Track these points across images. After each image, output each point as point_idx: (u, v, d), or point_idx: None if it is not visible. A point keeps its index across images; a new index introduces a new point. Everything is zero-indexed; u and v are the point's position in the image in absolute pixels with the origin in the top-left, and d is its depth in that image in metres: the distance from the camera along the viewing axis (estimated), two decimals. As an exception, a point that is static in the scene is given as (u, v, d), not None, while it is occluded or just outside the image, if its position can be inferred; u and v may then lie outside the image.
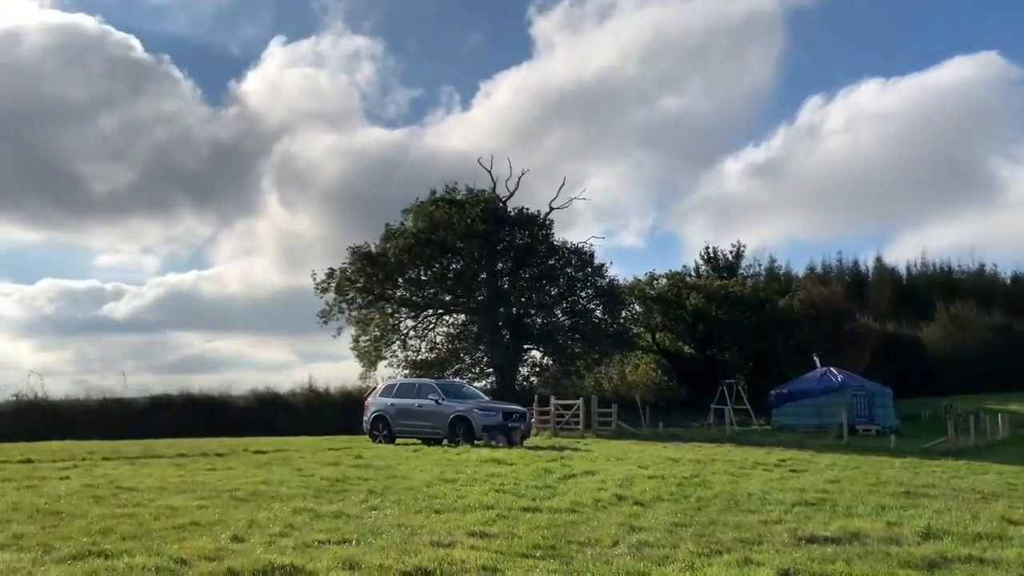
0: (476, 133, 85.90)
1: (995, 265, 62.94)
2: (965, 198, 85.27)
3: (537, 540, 7.74)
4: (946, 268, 61.08)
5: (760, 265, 51.16)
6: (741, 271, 48.09)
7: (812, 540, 8.27)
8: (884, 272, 59.77)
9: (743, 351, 39.37)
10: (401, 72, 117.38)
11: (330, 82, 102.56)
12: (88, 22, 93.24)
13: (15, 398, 30.79)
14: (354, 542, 7.33)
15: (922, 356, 47.53)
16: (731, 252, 48.49)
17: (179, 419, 30.82)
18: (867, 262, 60.75)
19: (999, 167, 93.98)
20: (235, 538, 7.35)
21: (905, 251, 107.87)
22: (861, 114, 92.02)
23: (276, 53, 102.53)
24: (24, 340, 79.32)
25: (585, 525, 8.73)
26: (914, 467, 16.97)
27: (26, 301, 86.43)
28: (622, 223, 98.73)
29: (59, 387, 37.49)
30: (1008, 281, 60.43)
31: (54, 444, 20.19)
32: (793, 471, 15.26)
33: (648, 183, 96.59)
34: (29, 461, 14.81)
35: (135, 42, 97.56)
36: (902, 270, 61.64)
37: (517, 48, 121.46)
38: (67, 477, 12.05)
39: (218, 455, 16.84)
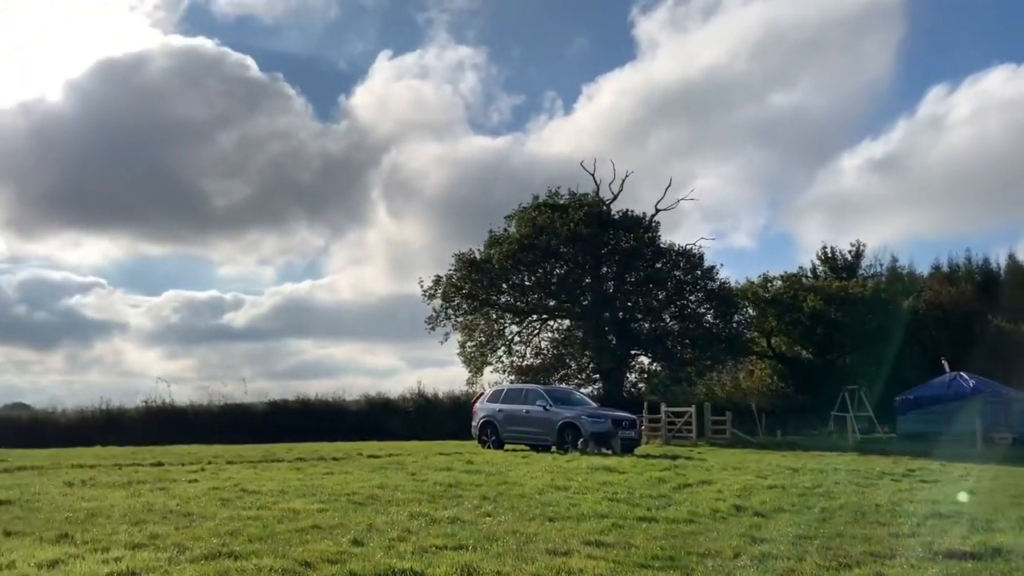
0: (579, 137, 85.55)
1: None
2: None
3: (655, 551, 7.54)
4: (1088, 264, 56.66)
5: (881, 265, 48.68)
6: (861, 271, 45.94)
7: (949, 555, 7.76)
8: (1018, 270, 55.76)
9: (865, 355, 37.61)
10: (504, 80, 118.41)
11: (435, 93, 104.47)
12: (207, 45, 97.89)
13: (145, 404, 32.63)
14: (470, 548, 7.33)
15: (1063, 360, 44.29)
16: (850, 252, 46.46)
17: (295, 423, 31.90)
18: (999, 260, 56.84)
19: None
20: (355, 542, 7.47)
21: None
22: (989, 102, 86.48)
23: (383, 67, 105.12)
24: (152, 349, 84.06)
25: (704, 536, 8.46)
26: (1059, 479, 15.78)
27: (153, 312, 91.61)
28: (732, 224, 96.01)
29: (183, 393, 39.45)
30: None
31: (182, 448, 21.22)
32: (923, 481, 14.45)
33: (759, 182, 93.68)
34: (160, 464, 15.60)
35: (250, 62, 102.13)
36: (1038, 267, 57.56)
37: (620, 50, 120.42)
38: (195, 480, 12.61)
39: (334, 459, 17.30)
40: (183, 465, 15.38)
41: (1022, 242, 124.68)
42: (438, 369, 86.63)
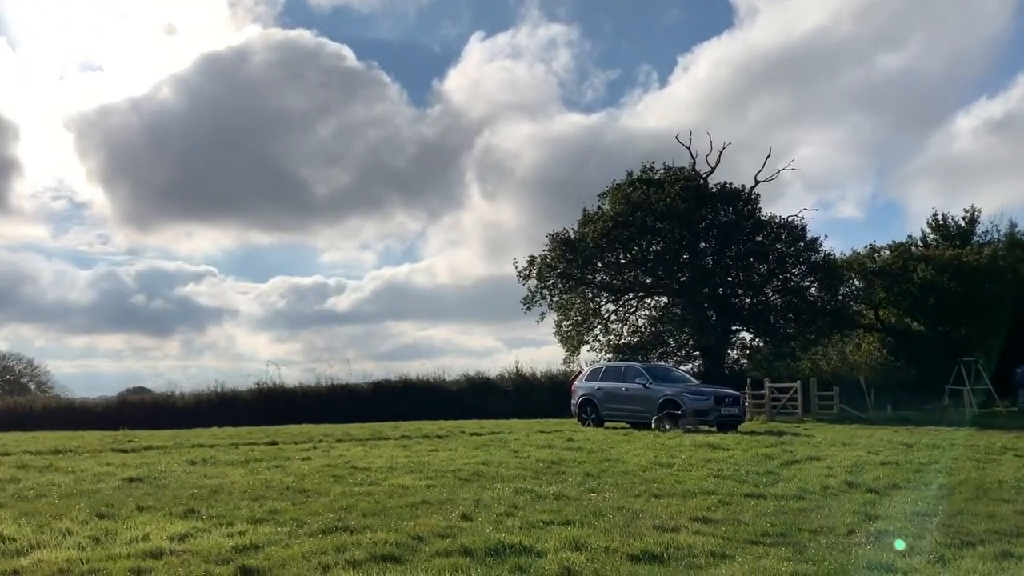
0: (675, 110, 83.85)
1: None
2: None
3: (765, 527, 7.43)
4: None
5: (999, 231, 45.81)
6: (976, 238, 43.43)
7: (1085, 534, 7.35)
8: None
9: (982, 326, 35.72)
10: (598, 56, 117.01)
11: (528, 72, 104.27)
12: (305, 36, 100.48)
13: (257, 386, 34.07)
14: (577, 523, 7.38)
15: None
16: (964, 218, 43.96)
17: (398, 403, 32.72)
18: None
19: None
20: (464, 516, 7.64)
21: None
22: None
23: (475, 49, 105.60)
24: (261, 333, 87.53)
25: (815, 513, 8.28)
26: None
27: (261, 298, 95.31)
28: (838, 193, 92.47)
29: (292, 375, 41.05)
30: None
31: (293, 428, 22.06)
32: (1052, 457, 13.69)
33: (867, 148, 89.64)
34: (274, 443, 16.28)
35: (347, 51, 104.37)
36: None
37: (717, 18, 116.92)
38: (308, 458, 13.11)
39: (438, 437, 17.68)
40: (295, 444, 16.00)
41: None
42: (534, 349, 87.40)
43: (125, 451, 14.62)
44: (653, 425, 20.13)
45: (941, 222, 44.11)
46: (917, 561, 6.33)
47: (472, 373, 36.78)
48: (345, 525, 7.22)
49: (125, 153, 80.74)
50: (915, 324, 39.26)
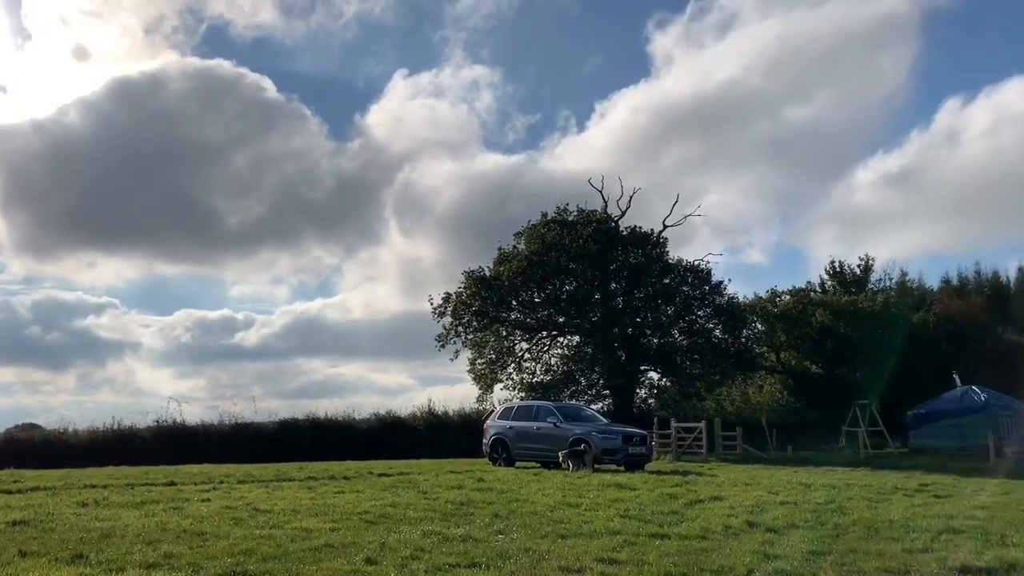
0: (591, 154, 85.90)
1: None
2: None
3: (668, 567, 7.55)
4: (1099, 277, 56.37)
5: (891, 279, 48.56)
6: (870, 285, 45.83)
7: (964, 571, 7.76)
8: (1028, 283, 55.76)
9: (875, 370, 37.47)
10: (519, 99, 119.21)
11: (450, 111, 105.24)
12: (224, 66, 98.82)
13: (156, 423, 32.68)
14: (483, 566, 7.35)
15: (1075, 372, 43.99)
16: (859, 266, 46.39)
17: (305, 442, 31.92)
18: (1008, 273, 56.78)
19: None
20: (368, 560, 7.50)
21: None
22: (1004, 115, 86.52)
23: (399, 86, 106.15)
24: (163, 368, 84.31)
25: (716, 552, 8.46)
26: (1074, 493, 15.66)
27: (165, 331, 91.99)
28: (746, 239, 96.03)
29: (194, 413, 39.57)
30: None
31: (193, 468, 21.25)
32: (936, 496, 14.37)
33: (773, 197, 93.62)
34: (172, 484, 15.65)
35: (267, 82, 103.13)
36: (1049, 280, 57.31)
37: (635, 67, 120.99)
38: (208, 500, 12.64)
39: (345, 478, 17.31)
40: (195, 485, 15.42)
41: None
42: (448, 387, 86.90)
43: (10, 492, 13.79)
44: (562, 463, 20.20)
45: (838, 269, 46.34)
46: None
47: (383, 412, 36.27)
48: (244, 570, 7.00)
49: (25, 177, 77.19)
50: (813, 367, 40.83)
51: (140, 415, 36.76)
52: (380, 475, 18.10)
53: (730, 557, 8.19)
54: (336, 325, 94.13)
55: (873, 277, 46.58)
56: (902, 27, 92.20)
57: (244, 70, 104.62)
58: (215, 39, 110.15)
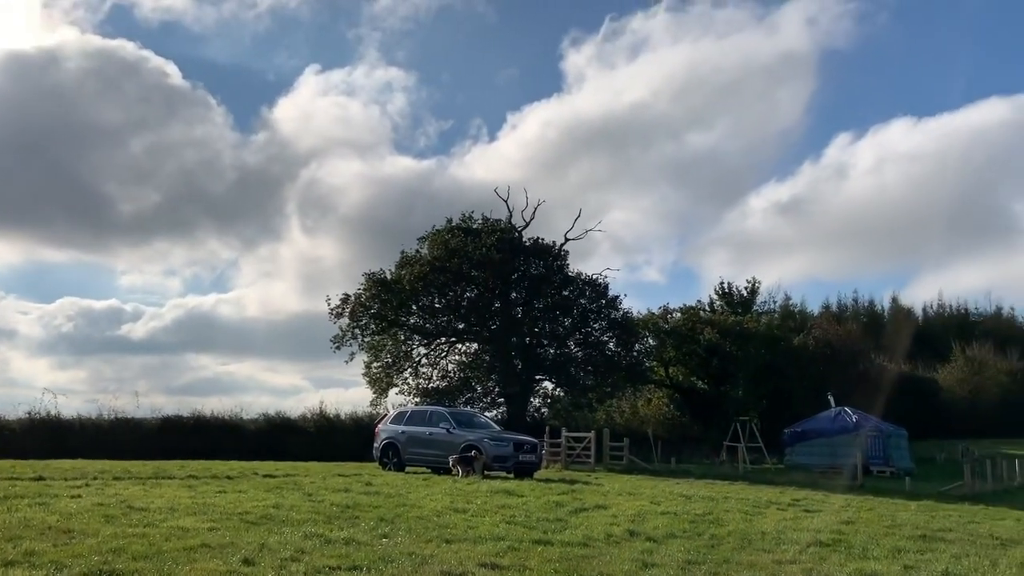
0: (501, 164, 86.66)
1: (1012, 308, 62.43)
2: (987, 241, 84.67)
3: (549, 573, 7.69)
4: (963, 310, 60.74)
5: (775, 302, 50.99)
6: (756, 307, 47.83)
7: (828, 582, 8.18)
8: (900, 312, 59.42)
9: (757, 388, 39.03)
10: (433, 104, 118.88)
11: (362, 111, 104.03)
12: (127, 47, 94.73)
13: (28, 416, 30.83)
14: (364, 569, 7.30)
15: (938, 398, 47.03)
16: (746, 288, 48.33)
17: (189, 441, 30.76)
18: (883, 302, 60.51)
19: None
20: (246, 561, 7.33)
21: (923, 292, 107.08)
22: (889, 153, 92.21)
23: (310, 81, 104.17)
24: (40, 358, 79.84)
25: (597, 560, 8.66)
26: (930, 511, 16.74)
27: (45, 320, 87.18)
28: (645, 258, 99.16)
29: (72, 406, 37.50)
30: (1025, 325, 59.96)
31: (66, 463, 20.21)
32: (807, 511, 15.09)
33: (672, 218, 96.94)
34: (41, 479, 14.84)
35: (173, 68, 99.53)
36: (918, 311, 61.33)
37: (548, 81, 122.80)
38: (79, 496, 12.06)
39: (228, 478, 16.81)
40: (66, 480, 14.66)
41: (908, 287, 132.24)
42: (342, 390, 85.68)
43: None
44: (451, 469, 20.19)
45: (727, 290, 48.11)
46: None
47: (272, 412, 35.35)
48: (112, 569, 6.72)
49: None
50: (700, 383, 42.19)
51: (11, 406, 34.58)
52: (265, 476, 17.66)
53: (610, 565, 8.40)
54: (229, 321, 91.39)
55: (759, 299, 48.69)
56: (801, 64, 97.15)
57: (148, 53, 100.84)
58: (119, 19, 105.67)
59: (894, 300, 60.86)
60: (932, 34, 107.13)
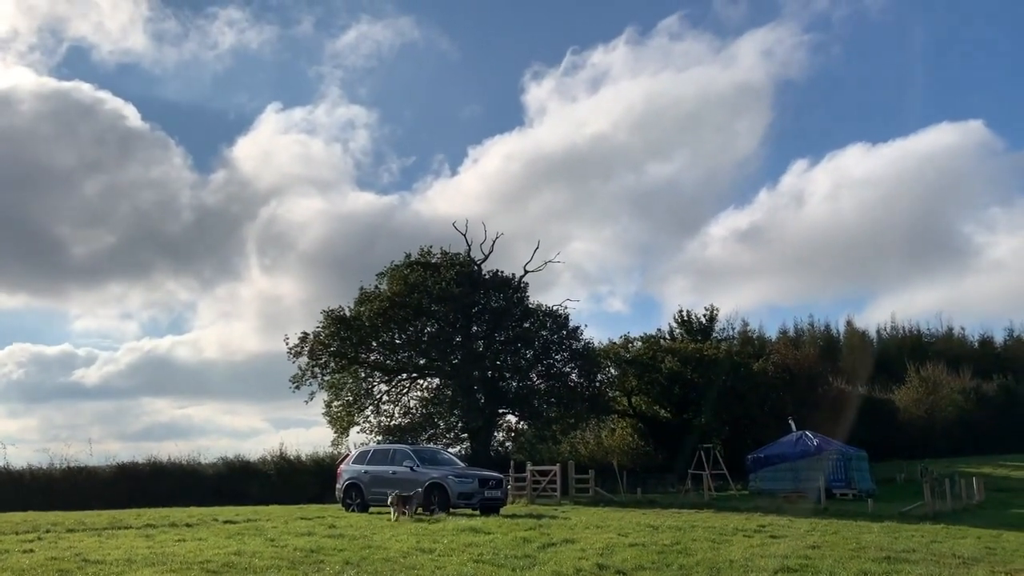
0: (463, 198, 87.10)
1: (963, 328, 63.96)
2: (939, 263, 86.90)
3: (519, 612, 7.58)
4: (916, 331, 61.99)
5: (733, 328, 51.66)
6: (715, 334, 48.34)
7: (797, 608, 8.21)
8: (855, 335, 60.52)
9: (719, 415, 39.26)
10: (395, 140, 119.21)
11: (323, 149, 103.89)
12: (83, 89, 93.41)
13: (-25, 468, 29.86)
14: (332, 616, 7.13)
15: (895, 419, 47.80)
16: (704, 316, 48.84)
17: (146, 488, 30.01)
18: (839, 326, 61.64)
19: (974, 233, 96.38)
20: (209, 613, 7.12)
21: (878, 315, 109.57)
22: (844, 179, 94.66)
23: (271, 120, 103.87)
24: (-11, 407, 77.41)
25: (567, 595, 8.58)
26: (893, 531, 16.94)
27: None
28: (608, 288, 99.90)
29: (22, 456, 36.41)
30: (976, 344, 61.37)
31: (16, 515, 19.53)
32: (773, 537, 15.17)
33: (634, 248, 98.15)
34: (-10, 533, 14.31)
35: (131, 109, 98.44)
36: (873, 333, 62.50)
37: (510, 115, 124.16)
38: (31, 550, 11.64)
39: (187, 525, 16.39)
40: (17, 534, 14.15)
41: (865, 310, 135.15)
42: (303, 430, 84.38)
43: None
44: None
45: (686, 318, 48.58)
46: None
47: (231, 456, 34.69)
48: (69, 628, 6.48)
49: None
50: (662, 411, 42.36)
51: (-43, 459, 33.38)
52: (226, 522, 17.25)
53: (580, 600, 8.34)
54: (187, 364, 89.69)
55: (718, 326, 49.21)
56: (757, 95, 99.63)
57: (105, 95, 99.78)
58: (76, 61, 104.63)
59: (849, 323, 62.09)
60: (884, 63, 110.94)
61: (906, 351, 56.85)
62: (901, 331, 62.29)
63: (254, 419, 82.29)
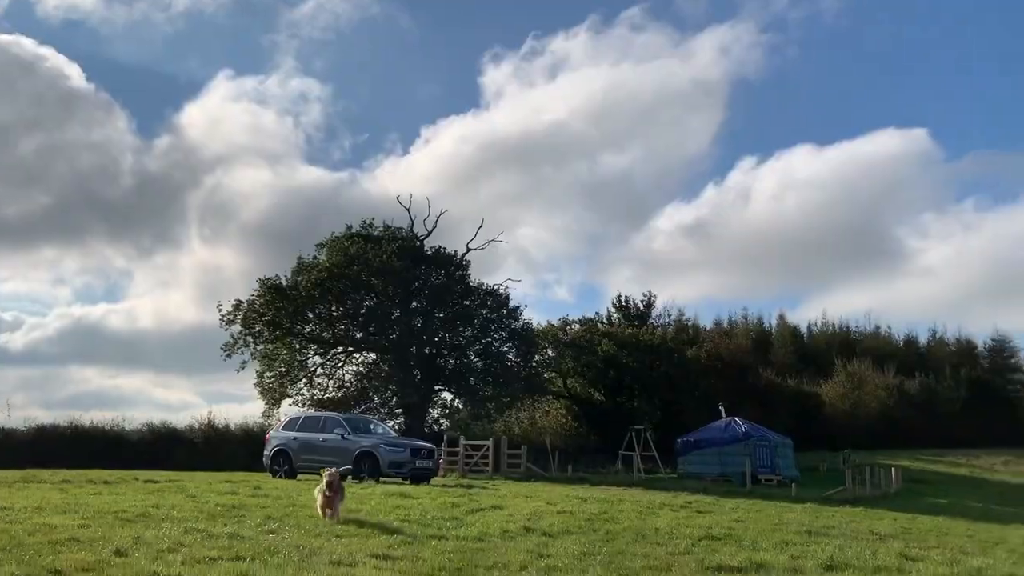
0: (413, 178, 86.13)
1: (889, 327, 65.75)
2: (873, 265, 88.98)
3: (443, 563, 7.50)
4: (845, 328, 63.49)
5: (669, 316, 52.22)
6: (651, 320, 48.85)
7: (719, 569, 8.30)
8: (786, 330, 61.76)
9: (652, 399, 39.71)
10: (348, 116, 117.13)
11: (274, 121, 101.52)
12: (24, 44, 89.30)
13: None
14: (249, 559, 6.93)
15: (820, 411, 49.03)
16: (642, 301, 49.31)
17: (67, 451, 28.98)
18: (771, 320, 62.85)
19: (907, 237, 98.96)
20: (118, 552, 6.86)
21: (811, 312, 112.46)
22: (790, 179, 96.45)
23: (221, 87, 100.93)
24: (-99, 371, 74.06)
25: (492, 552, 8.52)
26: (814, 512, 17.34)
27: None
28: (555, 276, 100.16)
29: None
30: (901, 343, 63.24)
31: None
32: (699, 511, 15.36)
33: (583, 238, 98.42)
34: None
35: (74, 68, 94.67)
36: (804, 329, 63.88)
37: (466, 97, 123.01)
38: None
39: (106, 482, 15.88)
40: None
41: (799, 307, 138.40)
42: (237, 405, 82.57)
43: None
44: (350, 477, 19.05)
45: (624, 303, 48.96)
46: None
47: (157, 423, 33.76)
48: (-35, 562, 6.16)
49: None
50: (597, 394, 42.66)
51: None
52: (147, 481, 16.76)
53: (505, 555, 8.28)
54: (120, 333, 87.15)
55: (654, 313, 49.73)
56: (713, 91, 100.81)
57: (48, 51, 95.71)
58: (19, 14, 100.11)
59: (781, 318, 63.32)
60: (837, 67, 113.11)
61: (835, 347, 58.18)
62: (831, 328, 63.79)
63: (186, 393, 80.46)
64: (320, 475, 10.77)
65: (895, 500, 24.61)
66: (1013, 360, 60.91)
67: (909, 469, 36.63)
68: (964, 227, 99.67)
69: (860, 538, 12.13)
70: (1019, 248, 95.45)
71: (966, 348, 61.53)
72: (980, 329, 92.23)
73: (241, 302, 35.04)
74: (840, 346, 58.51)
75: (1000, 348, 61.09)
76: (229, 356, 34.98)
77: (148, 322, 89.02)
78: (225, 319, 34.91)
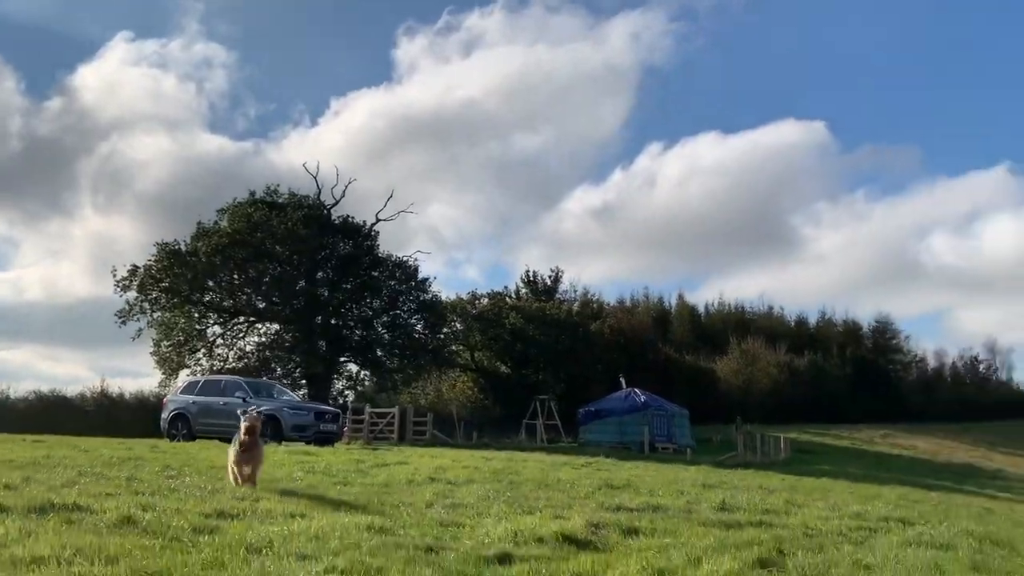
0: (321, 151, 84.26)
1: (782, 308, 68.74)
2: (768, 251, 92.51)
3: (349, 500, 7.54)
4: (740, 308, 66.09)
5: (575, 292, 53.11)
6: (558, 295, 49.59)
7: (619, 509, 8.61)
8: (685, 309, 63.90)
9: (557, 372, 40.43)
10: (254, 84, 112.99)
11: (176, 87, 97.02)
12: None
13: None
14: (148, 494, 6.81)
15: (715, 387, 50.92)
16: (550, 277, 50.00)
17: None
18: (671, 299, 64.87)
19: (802, 225, 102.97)
20: (7, 487, 6.61)
21: (708, 294, 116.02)
22: (694, 165, 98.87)
23: (119, 49, 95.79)
24: None
25: (398, 494, 8.62)
26: (708, 472, 18.07)
27: None
28: (465, 255, 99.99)
29: None
30: (792, 323, 66.22)
31: None
32: (599, 469, 15.80)
33: (493, 217, 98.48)
34: None
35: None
36: (701, 308, 66.15)
37: (379, 70, 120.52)
38: None
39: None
40: None
41: (695, 289, 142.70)
42: (131, 380, 79.18)
43: None
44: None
45: (532, 278, 49.51)
46: (485, 520, 6.88)
47: (45, 390, 32.33)
48: None
49: None
50: (503, 367, 43.11)
51: None
52: (35, 441, 16.05)
53: (411, 496, 8.39)
54: (4, 304, 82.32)
55: (561, 288, 50.50)
56: (624, 76, 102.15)
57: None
58: None
59: (680, 297, 65.40)
60: (743, 57, 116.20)
61: (730, 326, 60.45)
62: (727, 308, 66.24)
63: (77, 367, 77.00)
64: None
65: (783, 466, 25.86)
66: (895, 341, 64.81)
67: (797, 440, 38.54)
68: (855, 216, 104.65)
69: (751, 490, 12.76)
70: (904, 237, 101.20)
71: (852, 329, 65.06)
72: (866, 312, 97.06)
73: (137, 267, 33.79)
74: (735, 325, 60.83)
75: (883, 330, 64.88)
76: (124, 323, 33.79)
77: (36, 293, 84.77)
78: (120, 284, 33.64)
